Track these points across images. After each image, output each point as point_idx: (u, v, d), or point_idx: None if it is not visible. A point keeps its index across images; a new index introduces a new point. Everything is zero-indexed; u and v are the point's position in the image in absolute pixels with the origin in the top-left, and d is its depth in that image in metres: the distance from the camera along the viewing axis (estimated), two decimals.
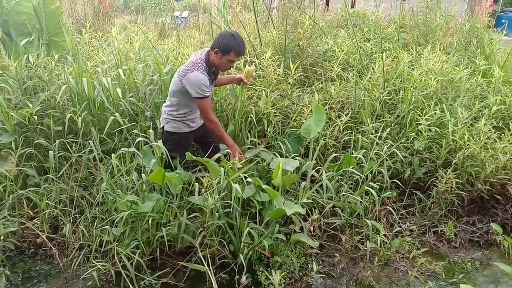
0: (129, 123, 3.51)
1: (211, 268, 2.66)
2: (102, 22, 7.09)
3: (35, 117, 3.41)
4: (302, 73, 4.31)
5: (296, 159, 3.27)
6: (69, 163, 3.35)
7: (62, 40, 4.74)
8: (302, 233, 2.94)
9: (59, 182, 3.29)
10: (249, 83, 3.51)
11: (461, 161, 3.38)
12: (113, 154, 3.01)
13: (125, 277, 2.68)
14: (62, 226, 3.11)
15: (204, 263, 2.69)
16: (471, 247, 3.22)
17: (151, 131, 3.06)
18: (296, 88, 4.18)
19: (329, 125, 3.75)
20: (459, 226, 3.34)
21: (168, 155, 2.98)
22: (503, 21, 7.47)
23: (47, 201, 3.16)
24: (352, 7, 8.43)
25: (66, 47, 4.72)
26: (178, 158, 3.18)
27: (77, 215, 3.18)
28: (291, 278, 2.81)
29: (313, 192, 3.18)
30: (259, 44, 4.66)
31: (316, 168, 3.35)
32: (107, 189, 2.91)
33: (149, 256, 2.91)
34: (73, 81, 3.65)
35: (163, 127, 3.34)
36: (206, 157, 3.14)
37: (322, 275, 2.88)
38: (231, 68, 3.46)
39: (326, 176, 3.12)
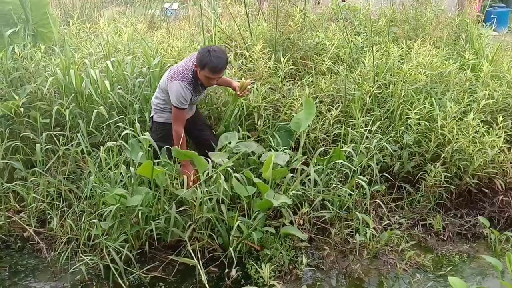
0: (118, 116, 3.47)
1: (200, 261, 2.66)
2: (90, 13, 6.99)
3: (22, 110, 3.36)
4: (292, 66, 4.29)
5: (286, 152, 3.27)
6: (56, 156, 3.31)
7: (48, 31, 4.67)
8: (291, 226, 2.94)
9: (46, 176, 3.25)
10: (243, 96, 3.44)
11: (449, 155, 3.41)
12: (101, 147, 2.97)
13: (114, 271, 2.66)
14: (50, 220, 3.08)
15: (194, 256, 2.68)
16: (459, 240, 3.26)
17: (137, 124, 3.02)
18: (287, 82, 4.16)
19: (319, 118, 3.75)
20: (447, 219, 3.38)
21: (156, 145, 2.95)
22: (492, 16, 7.51)
23: (34, 194, 3.12)
24: (343, 0, 8.42)
25: (53, 38, 4.64)
26: (164, 148, 3.13)
27: (65, 208, 3.15)
28: (281, 271, 2.81)
29: (303, 186, 3.19)
30: (250, 37, 4.63)
31: (306, 161, 3.35)
32: (95, 183, 2.88)
33: (138, 250, 2.90)
34: (60, 73, 3.60)
35: (152, 117, 3.31)
36: (196, 150, 3.12)
37: (312, 268, 2.90)
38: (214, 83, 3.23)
39: (316, 170, 3.12)
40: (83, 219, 2.96)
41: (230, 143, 3.26)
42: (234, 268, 2.75)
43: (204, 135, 3.45)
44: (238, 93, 3.35)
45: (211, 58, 2.87)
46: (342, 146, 3.43)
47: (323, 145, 3.63)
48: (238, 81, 3.42)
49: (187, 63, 3.07)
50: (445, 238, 3.24)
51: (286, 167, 3.13)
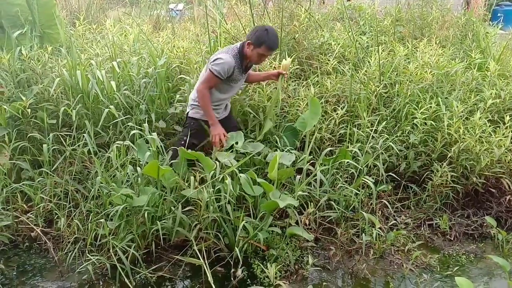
0: (124, 116, 3.49)
1: (206, 261, 2.67)
2: (96, 15, 7.03)
3: (29, 110, 3.38)
4: (298, 66, 4.29)
5: (292, 152, 3.27)
6: (63, 157, 3.33)
7: (55, 32, 4.69)
8: (297, 226, 2.94)
9: (53, 176, 3.26)
10: (287, 76, 3.48)
11: (456, 154, 3.39)
12: (111, 147, 2.99)
13: (121, 270, 2.67)
14: (57, 220, 3.10)
15: (200, 256, 2.69)
16: (466, 240, 3.24)
17: (146, 124, 3.04)
18: (292, 82, 4.17)
19: (325, 118, 3.75)
20: (454, 219, 3.36)
21: (187, 141, 3.09)
22: (499, 14, 7.46)
23: (41, 194, 3.14)
24: (348, 0, 8.40)
25: (60, 39, 4.67)
26: (195, 143, 3.26)
27: (72, 208, 3.16)
28: (287, 271, 2.81)
29: (309, 186, 3.18)
30: None
31: (312, 162, 3.35)
32: (102, 183, 2.90)
33: (144, 250, 2.90)
34: (67, 74, 3.62)
35: (187, 113, 3.35)
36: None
37: (318, 268, 2.89)
38: (263, 63, 3.41)
39: (322, 170, 3.12)
40: (90, 219, 2.97)
41: (237, 143, 3.26)
42: (240, 268, 2.75)
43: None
44: (285, 73, 3.43)
45: (269, 37, 3.04)
46: (348, 146, 3.43)
47: (329, 145, 3.63)
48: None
49: (230, 46, 3.20)
50: (452, 238, 3.22)
51: (292, 167, 3.13)
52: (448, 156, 3.40)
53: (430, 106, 3.61)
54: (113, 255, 2.72)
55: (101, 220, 2.82)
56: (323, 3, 7.56)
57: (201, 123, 3.29)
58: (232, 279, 2.75)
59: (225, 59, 3.05)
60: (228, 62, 3.06)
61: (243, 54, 3.15)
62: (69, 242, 2.97)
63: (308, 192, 3.12)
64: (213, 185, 2.91)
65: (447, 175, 3.29)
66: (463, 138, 3.38)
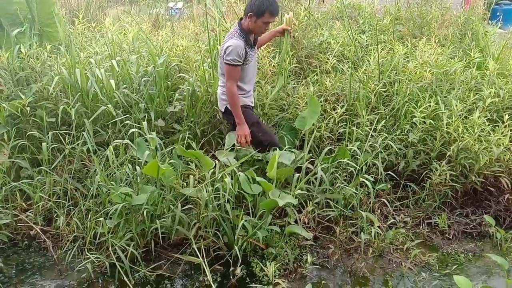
0: (123, 115, 3.49)
1: (205, 260, 2.67)
2: (96, 13, 7.02)
3: (28, 109, 3.38)
4: (297, 65, 4.30)
5: (292, 151, 3.27)
6: (62, 155, 3.33)
7: (54, 30, 4.69)
8: (296, 225, 2.94)
9: (52, 174, 3.26)
10: (293, 30, 3.46)
11: (455, 153, 3.39)
12: (109, 146, 2.99)
13: (120, 269, 2.68)
14: (56, 218, 3.10)
15: (199, 255, 2.69)
16: (464, 239, 3.25)
17: (145, 123, 3.04)
18: (291, 80, 4.16)
19: (324, 117, 3.75)
20: (453, 218, 3.36)
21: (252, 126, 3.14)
22: (498, 13, 7.45)
23: (40, 193, 3.14)
24: None
25: (59, 37, 4.66)
26: (258, 121, 3.30)
27: (71, 207, 3.16)
28: (286, 269, 2.82)
29: (308, 184, 3.19)
30: None
31: (311, 160, 3.35)
32: (101, 181, 2.90)
33: (143, 248, 2.91)
34: (66, 72, 3.61)
35: (224, 111, 3.32)
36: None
37: (317, 266, 2.89)
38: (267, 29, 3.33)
39: (321, 168, 3.12)
40: (89, 217, 2.98)
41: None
42: (239, 266, 2.76)
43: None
44: (289, 29, 3.39)
45: (270, 2, 3.01)
46: (347, 145, 3.43)
47: (328, 143, 3.63)
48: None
49: (230, 31, 3.17)
50: (451, 237, 3.23)
51: (291, 167, 3.13)
52: (447, 155, 3.40)
53: (429, 105, 3.61)
54: (112, 253, 2.73)
55: (100, 218, 2.82)
56: (323, 1, 7.55)
57: (247, 106, 3.27)
58: (231, 277, 2.76)
59: (233, 44, 3.01)
60: (238, 44, 3.02)
61: (245, 30, 3.11)
62: (68, 240, 2.97)
63: (308, 191, 3.12)
64: (212, 183, 2.92)
65: (446, 174, 3.30)
66: (462, 137, 3.38)
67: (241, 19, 3.17)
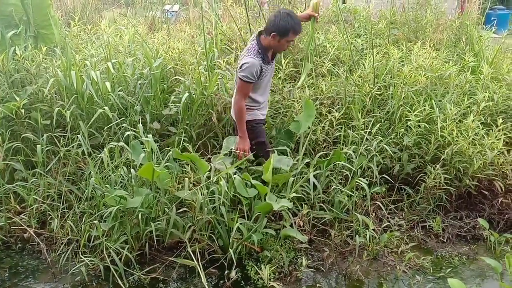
0: (118, 117, 3.48)
1: (200, 263, 2.67)
2: (92, 15, 7.00)
3: (22, 111, 3.36)
4: (293, 68, 4.30)
5: (290, 157, 3.27)
6: (57, 158, 3.31)
7: (50, 32, 4.68)
8: (291, 228, 2.94)
9: (47, 177, 3.25)
10: (319, 17, 3.39)
11: (449, 157, 3.41)
12: (104, 149, 2.98)
13: (114, 272, 2.67)
14: (50, 221, 3.08)
15: (194, 258, 2.69)
16: (459, 242, 3.26)
17: (140, 125, 3.03)
18: (287, 83, 4.17)
19: (319, 120, 3.76)
20: (447, 221, 3.38)
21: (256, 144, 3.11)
22: (492, 18, 7.53)
23: (34, 196, 3.12)
24: (344, 2, 8.43)
25: (54, 39, 4.65)
26: (264, 141, 3.27)
27: (65, 210, 3.15)
28: (281, 272, 2.82)
29: (303, 187, 3.19)
30: None
31: (307, 162, 3.36)
32: (96, 184, 2.89)
33: (138, 251, 2.90)
34: (61, 74, 3.61)
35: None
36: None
37: (312, 269, 2.89)
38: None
39: (316, 172, 3.13)
40: (83, 220, 2.97)
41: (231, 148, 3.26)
42: (234, 269, 2.76)
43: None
44: (316, 15, 3.29)
45: (294, 21, 2.95)
46: (343, 148, 3.44)
47: (324, 147, 3.64)
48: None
49: (248, 46, 3.11)
50: (445, 240, 3.24)
51: (289, 172, 3.13)
52: (442, 158, 3.42)
53: (424, 109, 3.63)
54: (106, 256, 2.71)
55: (95, 221, 2.81)
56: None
57: (257, 122, 3.24)
58: (226, 280, 2.75)
59: (250, 62, 2.96)
60: (254, 63, 2.96)
61: (264, 47, 3.05)
62: (62, 243, 2.96)
63: (303, 194, 3.13)
64: (207, 186, 2.92)
65: (440, 177, 3.31)
66: (456, 140, 3.40)
67: (260, 33, 3.09)
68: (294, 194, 2.95)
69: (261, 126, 3.33)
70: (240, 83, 3.03)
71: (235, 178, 2.87)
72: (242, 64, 2.99)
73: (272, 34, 2.96)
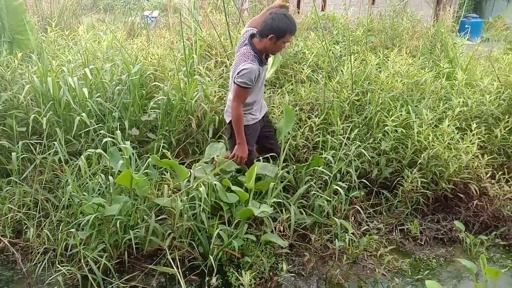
0: (96, 124, 3.44)
1: (180, 270, 2.64)
2: (69, 21, 6.91)
3: None
4: (272, 75, 4.33)
5: (274, 165, 3.28)
6: (33, 165, 3.25)
7: (25, 38, 4.60)
8: (272, 233, 2.95)
9: (22, 185, 3.18)
10: (289, 5, 3.36)
11: (426, 161, 3.48)
12: (82, 156, 2.94)
13: (92, 281, 2.62)
14: (26, 230, 3.01)
15: (173, 265, 2.66)
16: (436, 244, 3.32)
17: (118, 132, 3.00)
18: (267, 89, 4.20)
19: (299, 126, 3.79)
20: (424, 224, 3.44)
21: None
22: (466, 26, 7.75)
23: (9, 204, 3.05)
24: (322, 10, 8.55)
25: (30, 45, 4.58)
26: (251, 149, 3.19)
27: (42, 218, 3.08)
28: (261, 278, 2.81)
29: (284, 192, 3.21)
30: (230, 45, 4.66)
31: (286, 170, 3.38)
32: (73, 192, 2.84)
33: (117, 259, 2.85)
34: (38, 80, 3.54)
35: (229, 122, 3.19)
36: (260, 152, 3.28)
37: (292, 274, 2.90)
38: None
39: (298, 177, 3.15)
40: (60, 229, 2.91)
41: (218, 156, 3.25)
42: (215, 276, 2.74)
43: (271, 137, 3.46)
44: (287, 4, 3.28)
45: (291, 21, 2.92)
46: (322, 153, 3.47)
47: (304, 152, 3.67)
48: None
49: (242, 50, 3.03)
50: (423, 243, 3.30)
51: (273, 178, 3.13)
52: (418, 162, 3.49)
53: (401, 114, 3.71)
54: (84, 265, 2.67)
55: (72, 230, 2.76)
56: (298, 12, 7.67)
57: (248, 128, 3.16)
58: (206, 287, 2.73)
59: (249, 68, 2.91)
60: (253, 69, 2.92)
61: (259, 50, 3.01)
62: (38, 252, 2.89)
63: (284, 199, 3.14)
64: (188, 193, 2.90)
65: (417, 181, 3.38)
66: (432, 145, 3.47)
67: (252, 37, 3.05)
68: (275, 200, 2.96)
69: (253, 133, 3.26)
70: (238, 89, 2.97)
71: (215, 184, 2.87)
72: (241, 70, 2.93)
73: (270, 36, 2.92)
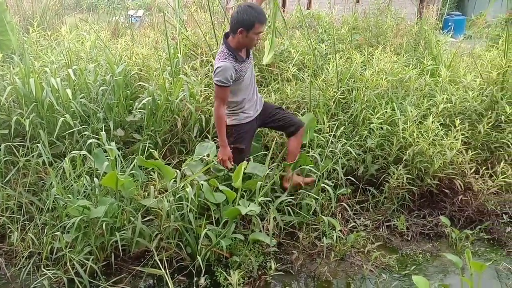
0: (81, 125, 3.40)
1: (168, 271, 2.62)
2: (52, 21, 6.81)
3: None
4: (259, 73, 4.33)
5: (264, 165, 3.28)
6: (16, 168, 3.20)
7: (6, 38, 4.52)
8: (260, 232, 2.95)
9: (5, 188, 3.13)
10: None
11: (411, 157, 3.52)
12: (66, 158, 2.90)
13: (79, 284, 2.59)
14: (10, 234, 2.97)
15: (161, 266, 2.64)
16: (422, 240, 3.35)
17: (103, 133, 2.97)
18: None
19: None
20: (411, 220, 3.48)
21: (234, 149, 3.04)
22: (449, 23, 7.84)
23: None
24: (308, 8, 8.57)
25: (11, 46, 4.50)
26: (245, 148, 3.18)
27: (26, 222, 3.04)
28: (250, 277, 2.81)
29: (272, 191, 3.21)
30: (215, 44, 4.64)
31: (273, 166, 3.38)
32: (58, 194, 2.80)
33: (103, 262, 2.83)
34: (20, 82, 3.48)
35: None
36: (287, 134, 3.32)
37: (281, 272, 2.90)
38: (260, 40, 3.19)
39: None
40: (45, 232, 2.87)
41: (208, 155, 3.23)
42: (203, 276, 2.73)
43: (284, 118, 3.38)
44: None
45: (257, 11, 2.89)
46: (309, 151, 3.49)
47: None
48: None
49: (218, 52, 3.04)
50: (409, 238, 3.33)
51: (261, 177, 3.13)
52: (404, 159, 3.52)
53: (386, 111, 3.74)
54: (70, 268, 2.63)
55: (57, 233, 2.72)
56: (283, 11, 7.67)
57: (241, 127, 3.19)
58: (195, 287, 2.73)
59: (223, 66, 2.90)
60: (227, 66, 2.91)
61: (233, 48, 2.99)
62: (23, 257, 2.84)
63: (271, 198, 3.14)
64: (174, 193, 2.88)
65: (403, 177, 3.41)
66: (417, 141, 3.51)
67: (226, 36, 3.04)
68: (262, 198, 2.96)
69: (247, 131, 3.24)
70: (216, 89, 2.98)
71: (202, 184, 2.85)
72: (215, 69, 2.95)
73: (239, 30, 2.91)
